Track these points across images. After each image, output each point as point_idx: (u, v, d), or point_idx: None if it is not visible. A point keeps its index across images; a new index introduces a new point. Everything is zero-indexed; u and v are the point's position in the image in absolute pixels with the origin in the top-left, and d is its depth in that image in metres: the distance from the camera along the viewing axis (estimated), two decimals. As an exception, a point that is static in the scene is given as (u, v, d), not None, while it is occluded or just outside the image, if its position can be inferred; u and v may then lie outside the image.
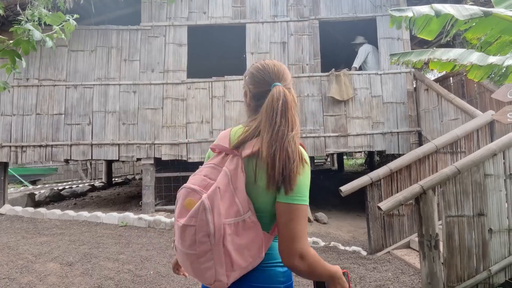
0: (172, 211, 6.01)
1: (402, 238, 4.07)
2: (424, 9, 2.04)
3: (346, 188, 3.93)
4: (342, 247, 4.26)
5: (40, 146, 6.09)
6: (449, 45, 6.70)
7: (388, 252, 3.99)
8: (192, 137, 6.11)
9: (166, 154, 6.08)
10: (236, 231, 0.96)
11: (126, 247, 4.12)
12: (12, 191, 9.60)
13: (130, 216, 5.29)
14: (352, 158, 18.13)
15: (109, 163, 11.00)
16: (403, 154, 4.67)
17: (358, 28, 6.80)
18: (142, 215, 5.32)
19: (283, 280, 1.05)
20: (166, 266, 3.56)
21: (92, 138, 6.11)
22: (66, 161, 6.44)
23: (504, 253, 2.76)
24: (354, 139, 6.05)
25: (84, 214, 5.54)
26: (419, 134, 5.97)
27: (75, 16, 2.11)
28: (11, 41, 1.93)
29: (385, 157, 10.16)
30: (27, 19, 1.98)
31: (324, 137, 6.06)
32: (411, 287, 3.10)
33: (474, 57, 2.50)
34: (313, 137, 6.02)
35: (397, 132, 6.01)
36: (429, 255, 2.58)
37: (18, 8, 5.29)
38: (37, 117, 6.13)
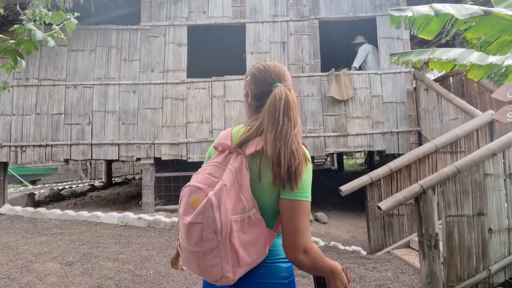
0: (172, 211, 6.01)
1: (402, 238, 4.08)
2: (424, 9, 2.04)
3: (346, 188, 3.93)
4: (342, 247, 4.26)
5: (40, 146, 6.08)
6: (449, 44, 6.70)
7: (388, 251, 3.99)
8: (192, 137, 6.11)
9: (166, 154, 6.08)
10: (242, 227, 0.97)
11: (126, 247, 4.12)
12: (12, 191, 9.60)
13: (130, 216, 5.29)
14: (352, 158, 18.14)
15: (109, 163, 10.99)
16: (403, 154, 4.67)
17: (358, 28, 6.80)
18: (142, 215, 5.32)
19: (287, 276, 1.08)
20: (166, 265, 3.56)
21: (92, 138, 6.11)
22: (66, 161, 6.44)
23: (503, 252, 2.76)
24: (354, 138, 6.05)
25: (84, 214, 5.53)
26: (419, 134, 5.98)
27: (76, 14, 2.11)
28: (12, 41, 1.93)
29: (385, 157, 10.17)
30: (29, 18, 1.98)
31: (324, 136, 6.06)
32: (411, 286, 3.10)
33: (474, 56, 2.51)
34: (313, 136, 6.02)
35: (397, 132, 6.01)
36: (429, 254, 2.58)
37: (17, 7, 5.29)
38: (37, 117, 6.13)
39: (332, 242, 4.42)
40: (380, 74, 6.13)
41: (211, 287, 1.13)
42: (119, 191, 9.32)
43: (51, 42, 2.00)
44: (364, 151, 8.36)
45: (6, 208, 6.01)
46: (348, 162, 16.27)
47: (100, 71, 6.22)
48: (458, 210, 2.72)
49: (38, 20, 2.02)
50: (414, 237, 3.87)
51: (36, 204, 7.23)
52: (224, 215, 0.93)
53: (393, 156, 6.74)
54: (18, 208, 5.95)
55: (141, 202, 6.18)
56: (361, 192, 4.14)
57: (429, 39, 2.36)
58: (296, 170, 0.98)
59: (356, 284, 3.17)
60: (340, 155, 12.98)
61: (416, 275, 3.30)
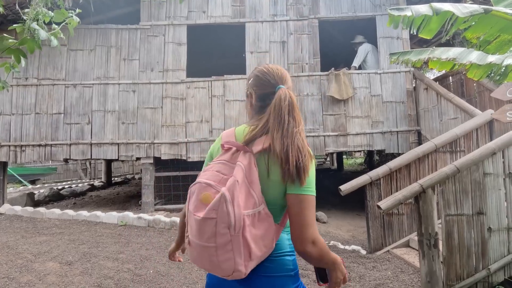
0: (171, 210, 6.01)
1: (402, 237, 4.08)
2: (423, 8, 2.04)
3: (346, 187, 3.94)
4: (341, 246, 4.27)
5: (39, 145, 6.08)
6: (448, 44, 6.72)
7: (388, 251, 4.00)
8: (191, 137, 6.11)
9: (165, 153, 6.08)
10: (253, 222, 1.00)
11: (125, 247, 4.12)
12: (12, 190, 9.60)
13: (129, 215, 5.29)
14: (352, 158, 18.15)
15: (109, 162, 10.99)
16: (403, 153, 4.67)
17: (358, 27, 6.80)
18: (141, 215, 5.32)
19: (292, 268, 1.13)
20: (166, 265, 3.56)
21: (91, 138, 6.10)
22: (66, 160, 6.43)
23: (503, 251, 2.76)
24: (354, 138, 6.05)
25: (84, 213, 5.53)
26: (419, 133, 5.98)
27: (78, 11, 2.12)
28: (12, 40, 1.93)
29: (385, 156, 10.17)
30: (31, 18, 1.99)
31: (324, 136, 6.06)
32: (410, 286, 3.11)
33: (474, 56, 2.51)
34: (313, 136, 6.02)
35: (397, 131, 6.01)
36: (429, 254, 2.59)
37: (17, 7, 5.28)
38: (36, 116, 6.13)
39: (332, 242, 4.43)
40: (380, 73, 6.13)
41: (218, 285, 1.16)
42: (119, 190, 9.32)
43: (54, 42, 2.01)
44: (363, 150, 8.36)
45: (6, 207, 6.01)
46: (347, 162, 16.28)
47: (100, 70, 6.21)
48: (458, 209, 2.72)
49: (40, 20, 2.02)
50: (414, 237, 3.87)
51: (36, 203, 7.22)
52: (238, 210, 0.96)
53: (393, 156, 6.74)
54: (18, 208, 5.95)
55: (140, 202, 6.18)
56: (360, 192, 4.14)
57: (429, 38, 2.36)
58: (303, 166, 1.04)
59: (355, 284, 3.17)
60: (339, 155, 12.99)
61: (415, 274, 3.31)
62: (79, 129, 6.12)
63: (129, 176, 13.71)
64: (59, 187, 9.54)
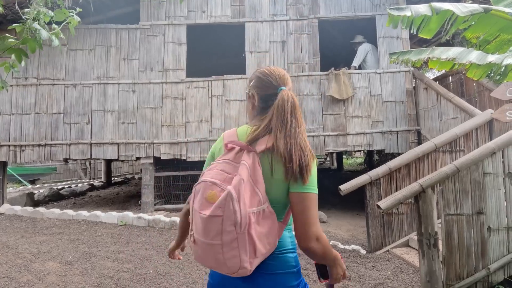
0: (171, 210, 6.01)
1: (402, 237, 4.08)
2: (423, 8, 2.04)
3: (346, 187, 3.94)
4: (341, 246, 4.27)
5: (39, 145, 6.08)
6: (448, 43, 6.71)
7: (388, 250, 4.00)
8: (191, 136, 6.11)
9: (165, 153, 6.08)
10: (258, 220, 1.02)
11: (125, 246, 4.12)
12: (11, 190, 9.59)
13: (129, 215, 5.29)
14: (352, 157, 18.16)
15: (108, 162, 10.99)
16: (402, 153, 4.67)
17: (358, 27, 6.80)
18: (141, 214, 5.32)
19: (295, 265, 1.16)
20: (166, 265, 3.56)
21: (91, 137, 6.10)
22: (65, 160, 6.43)
23: (503, 251, 2.76)
24: (354, 138, 6.05)
25: (83, 213, 5.53)
26: (418, 133, 5.98)
27: (78, 10, 2.12)
28: (12, 40, 1.93)
29: (384, 156, 10.17)
30: (33, 18, 1.99)
31: (324, 136, 6.06)
32: (410, 285, 3.11)
33: (473, 55, 2.51)
34: (313, 136, 6.02)
35: (396, 131, 6.01)
36: (428, 253, 2.59)
37: (16, 6, 5.28)
38: (36, 116, 6.12)
39: (332, 241, 4.43)
40: (380, 73, 6.13)
41: (221, 283, 1.17)
42: (119, 190, 9.32)
43: (56, 41, 2.01)
44: (363, 150, 8.36)
45: (5, 207, 6.01)
46: (347, 162, 16.29)
47: (99, 70, 6.21)
48: (458, 209, 2.72)
49: (41, 19, 2.02)
50: (414, 236, 3.88)
51: (35, 203, 7.22)
52: (243, 208, 0.98)
53: (393, 155, 6.74)
54: (18, 208, 5.95)
55: (140, 202, 6.18)
56: (360, 191, 4.14)
57: (429, 38, 2.36)
58: (306, 165, 1.07)
59: (355, 283, 3.17)
60: (339, 155, 13.00)
61: (415, 274, 3.31)
62: (78, 129, 6.12)
63: (129, 176, 13.71)
64: (59, 187, 9.53)
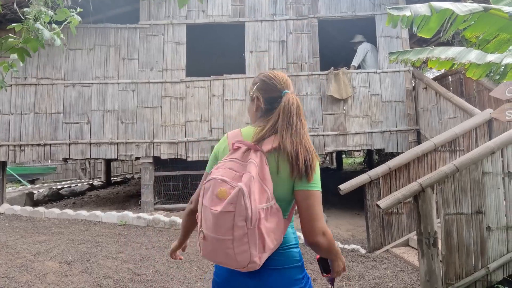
0: (171, 210, 6.01)
1: (401, 236, 4.08)
2: (422, 8, 2.04)
3: (345, 187, 3.94)
4: (341, 245, 4.27)
5: (39, 145, 6.07)
6: (448, 43, 6.71)
7: (387, 250, 4.00)
8: (191, 136, 6.11)
9: (165, 153, 6.08)
10: (266, 216, 1.07)
11: (125, 246, 4.12)
12: (11, 190, 9.59)
13: (129, 215, 5.29)
14: (351, 157, 18.17)
15: (108, 162, 10.99)
16: (402, 153, 4.68)
17: (357, 27, 6.80)
18: (141, 214, 5.32)
19: (299, 259, 1.22)
20: (165, 264, 3.56)
21: (90, 137, 6.10)
22: (65, 160, 6.43)
23: (502, 250, 2.77)
24: (353, 137, 6.05)
25: (83, 213, 5.53)
26: (418, 133, 5.98)
27: (79, 9, 2.12)
28: (12, 40, 1.93)
29: (384, 156, 10.18)
30: (34, 18, 1.99)
31: (323, 135, 6.06)
32: (409, 284, 3.11)
33: (473, 55, 2.51)
34: (312, 135, 6.02)
35: (396, 131, 6.02)
36: (428, 253, 2.59)
37: (15, 6, 5.27)
38: (35, 116, 6.12)
39: (331, 241, 4.43)
40: (379, 73, 6.13)
41: (228, 280, 1.20)
42: (118, 190, 9.32)
43: (58, 41, 2.02)
44: (363, 150, 8.37)
45: (5, 207, 6.00)
46: (347, 161, 16.30)
47: (99, 70, 6.21)
48: (457, 208, 2.73)
49: (42, 19, 2.03)
50: (413, 236, 3.88)
51: (35, 203, 7.22)
52: (254, 204, 1.02)
53: (392, 155, 6.75)
54: (17, 208, 5.95)
55: (140, 201, 6.18)
56: (360, 191, 4.14)
57: (428, 37, 2.35)
58: (311, 164, 1.13)
59: (355, 282, 3.17)
60: (339, 154, 13.00)
61: (415, 273, 3.31)
62: (78, 129, 6.12)
63: (128, 176, 13.70)
64: (58, 187, 9.53)
